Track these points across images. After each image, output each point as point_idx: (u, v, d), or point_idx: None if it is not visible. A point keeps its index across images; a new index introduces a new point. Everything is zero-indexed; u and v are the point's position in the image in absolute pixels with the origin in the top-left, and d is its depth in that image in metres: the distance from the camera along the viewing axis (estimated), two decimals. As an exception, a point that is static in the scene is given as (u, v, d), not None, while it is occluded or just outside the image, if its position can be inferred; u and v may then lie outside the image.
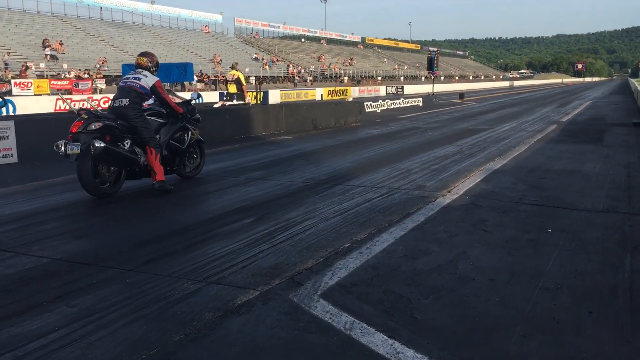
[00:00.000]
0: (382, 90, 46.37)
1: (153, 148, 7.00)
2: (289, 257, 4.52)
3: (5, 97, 22.35)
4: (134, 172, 7.15)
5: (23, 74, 33.23)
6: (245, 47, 64.19)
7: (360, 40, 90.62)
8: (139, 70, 7.33)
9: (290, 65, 60.11)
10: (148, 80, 7.17)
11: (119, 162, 6.87)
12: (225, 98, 17.21)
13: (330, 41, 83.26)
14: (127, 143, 6.87)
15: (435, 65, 32.10)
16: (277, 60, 61.82)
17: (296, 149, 11.48)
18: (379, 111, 23.39)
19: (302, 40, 79.38)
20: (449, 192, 7.05)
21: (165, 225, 5.66)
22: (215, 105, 16.25)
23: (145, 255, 4.60)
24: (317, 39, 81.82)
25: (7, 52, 37.60)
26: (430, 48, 52.36)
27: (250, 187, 7.46)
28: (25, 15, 47.21)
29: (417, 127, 16.41)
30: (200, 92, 15.35)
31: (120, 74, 39.56)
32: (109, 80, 39.24)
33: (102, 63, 40.85)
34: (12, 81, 31.64)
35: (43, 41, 40.75)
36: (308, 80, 58.68)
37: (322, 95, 35.11)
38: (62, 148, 6.52)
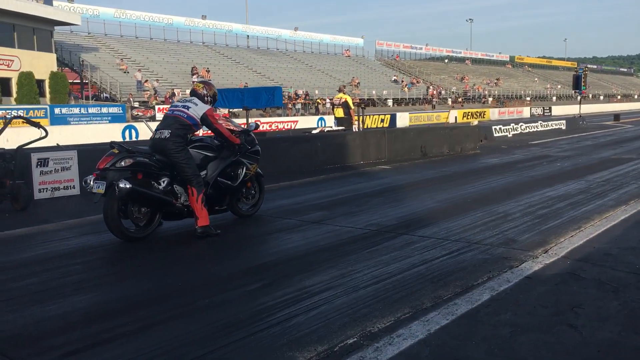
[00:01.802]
0: (526, 112, 42.93)
1: (195, 187, 6.06)
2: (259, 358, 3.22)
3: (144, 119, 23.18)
4: (173, 213, 6.26)
5: (167, 101, 34.94)
6: (385, 70, 63.49)
7: (508, 59, 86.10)
8: (191, 98, 6.46)
9: (431, 87, 58.26)
10: (198, 109, 6.26)
11: (151, 203, 6.01)
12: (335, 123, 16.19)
13: (476, 61, 79.93)
14: (163, 181, 6.01)
15: (583, 84, 28.62)
16: (417, 81, 60.27)
17: (385, 183, 10.05)
18: (510, 136, 21.02)
19: (445, 61, 77.04)
20: (546, 252, 5.28)
21: (160, 286, 4.59)
22: (314, 132, 15.30)
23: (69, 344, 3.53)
24: (461, 60, 78.93)
25: (156, 80, 40.15)
26: (586, 65, 47.67)
27: (296, 234, 6.22)
28: (178, 45, 50.39)
29: (547, 156, 14.13)
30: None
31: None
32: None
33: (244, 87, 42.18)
34: (157, 107, 33.46)
35: (192, 69, 42.94)
36: (449, 102, 56.45)
37: (455, 118, 32.99)
38: (91, 184, 5.77)
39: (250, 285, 4.49)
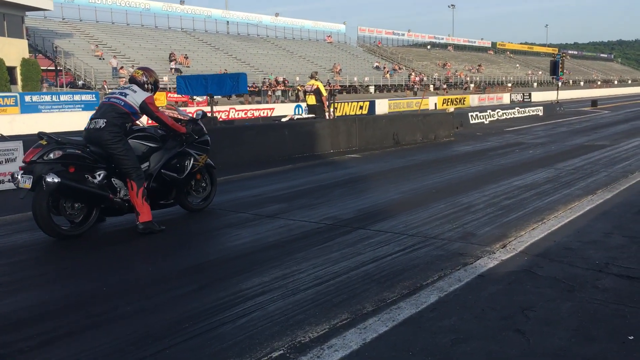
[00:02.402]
0: (506, 98, 42.77)
1: (134, 181, 5.65)
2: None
3: None
4: (112, 208, 5.82)
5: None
6: (367, 56, 63.05)
7: (490, 46, 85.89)
8: (130, 85, 6.02)
9: (413, 73, 57.97)
10: (137, 96, 5.83)
11: (85, 199, 5.55)
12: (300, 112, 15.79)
13: (458, 47, 79.63)
14: (99, 175, 5.57)
15: (560, 70, 28.42)
16: (399, 68, 59.93)
17: (351, 172, 9.74)
18: (486, 122, 20.77)
19: (428, 47, 76.64)
20: (504, 246, 5.01)
21: (82, 291, 4.23)
22: (284, 120, 14.95)
23: None
24: (443, 46, 78.59)
25: (132, 66, 39.35)
26: (565, 51, 47.64)
27: (246, 230, 5.88)
28: (156, 31, 49.43)
29: (521, 143, 13.90)
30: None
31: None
32: (224, 91, 39.83)
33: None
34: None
35: (170, 55, 42.17)
36: (431, 88, 56.20)
37: (435, 104, 32.71)
38: (18, 177, 5.29)
39: (181, 289, 4.16)
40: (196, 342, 3.25)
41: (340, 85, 47.54)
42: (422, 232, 5.56)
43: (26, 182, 5.22)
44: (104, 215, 5.88)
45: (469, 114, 20.45)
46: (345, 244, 5.23)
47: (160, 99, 30.66)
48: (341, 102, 28.48)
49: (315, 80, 15.41)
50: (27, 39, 35.75)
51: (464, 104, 34.65)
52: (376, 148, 13.10)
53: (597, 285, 4.05)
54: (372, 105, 28.48)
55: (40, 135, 5.44)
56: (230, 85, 13.22)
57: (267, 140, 11.14)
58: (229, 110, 27.90)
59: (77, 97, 29.99)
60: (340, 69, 51.70)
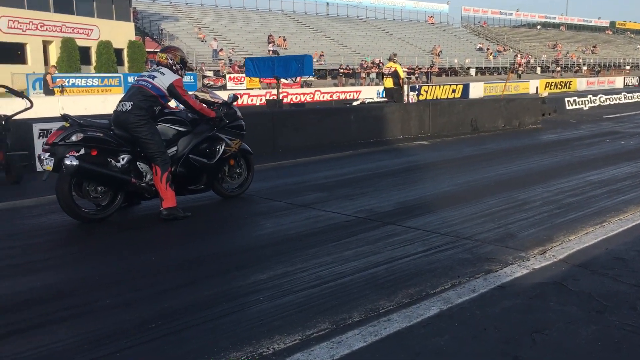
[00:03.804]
0: (618, 82, 39.50)
1: (159, 166, 5.52)
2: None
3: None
4: (134, 194, 5.71)
5: (235, 69, 34.90)
6: (470, 37, 60.66)
7: (608, 25, 79.82)
8: (159, 67, 5.85)
9: (519, 55, 55.08)
10: (165, 79, 5.68)
11: (107, 182, 5.46)
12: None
13: (571, 27, 74.67)
14: (123, 158, 5.48)
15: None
16: (505, 49, 57.17)
17: (411, 160, 9.19)
18: (585, 108, 19.13)
19: (537, 27, 72.48)
20: (543, 253, 4.42)
21: (73, 279, 4.16)
22: (355, 103, 14.49)
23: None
24: (555, 26, 73.98)
25: (232, 49, 40.28)
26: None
27: (271, 220, 5.62)
28: (256, 14, 50.28)
29: (616, 132, 12.62)
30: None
31: (333, 68, 40.29)
32: (320, 74, 39.79)
33: (320, 57, 41.53)
34: (227, 76, 33.54)
35: (268, 37, 42.73)
36: (538, 71, 53.20)
37: (537, 88, 30.78)
38: (43, 158, 5.30)
39: (171, 282, 3.96)
40: (154, 345, 3.04)
41: (438, 68, 46.13)
42: (456, 231, 5.05)
43: (48, 164, 5.22)
44: (132, 199, 5.84)
45: (566, 99, 18.95)
46: (366, 240, 4.83)
47: (255, 81, 31.06)
48: (433, 85, 27.52)
49: (394, 62, 14.83)
50: (135, 22, 37.50)
51: (569, 87, 32.39)
52: (450, 135, 12.38)
53: (636, 307, 3.42)
54: (465, 88, 27.26)
55: (64, 117, 5.43)
56: (295, 67, 13.01)
57: (330, 124, 10.81)
58: (301, 94, 27.67)
59: (176, 78, 31.09)
60: (440, 51, 50.11)
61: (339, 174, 8.08)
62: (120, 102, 5.71)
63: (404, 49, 49.68)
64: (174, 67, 5.87)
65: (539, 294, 3.65)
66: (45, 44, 30.63)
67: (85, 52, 31.74)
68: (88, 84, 27.23)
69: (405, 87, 15.08)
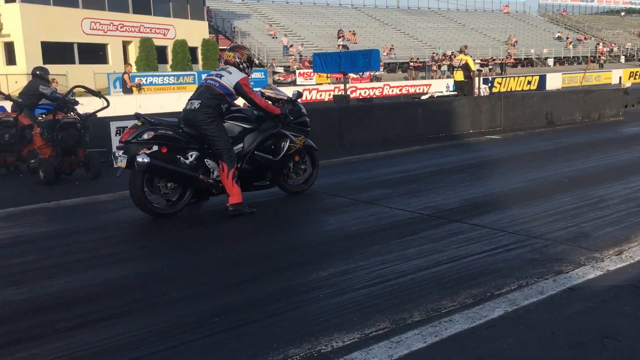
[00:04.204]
0: None
1: (225, 163, 5.66)
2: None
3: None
4: (202, 190, 5.90)
5: (304, 65, 35.12)
6: (548, 26, 58.41)
7: None
8: (226, 66, 5.98)
9: (601, 44, 52.55)
10: (232, 77, 5.80)
11: (176, 179, 5.66)
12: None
13: (659, 13, 70.51)
14: (191, 155, 5.66)
15: None
16: (585, 38, 54.70)
17: (480, 156, 8.94)
18: (675, 99, 18.02)
19: (622, 14, 68.85)
20: (619, 254, 4.21)
21: (143, 272, 4.31)
22: (424, 97, 14.20)
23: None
24: (640, 12, 70.12)
25: (301, 44, 40.60)
26: None
27: (334, 217, 5.62)
28: (326, 9, 50.42)
29: None
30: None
31: (404, 61, 39.87)
32: (390, 67, 39.47)
33: (390, 50, 41.24)
34: (297, 71, 33.84)
35: (338, 32, 42.80)
36: (622, 60, 50.59)
37: (620, 78, 29.26)
38: (117, 155, 5.59)
39: (235, 278, 4.05)
40: (215, 339, 3.10)
41: (514, 59, 44.70)
42: (525, 229, 4.87)
43: (122, 161, 5.45)
44: (200, 195, 5.99)
45: (651, 89, 17.91)
46: (430, 238, 4.75)
47: (324, 76, 31.12)
48: (507, 77, 26.66)
49: (465, 54, 14.48)
50: (209, 21, 38.46)
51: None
52: (523, 128, 11.97)
53: None
54: (542, 80, 26.25)
55: (137, 116, 5.66)
56: (362, 62, 12.92)
57: (397, 119, 10.69)
58: (369, 88, 27.52)
59: (247, 75, 31.67)
60: (516, 41, 48.53)
61: (405, 170, 7.98)
62: (189, 100, 5.88)
63: (477, 40, 48.46)
64: (241, 66, 5.97)
65: (612, 297, 3.47)
66: (125, 44, 31.95)
67: (162, 51, 32.85)
68: (164, 82, 28.20)
69: (477, 79, 14.69)
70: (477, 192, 6.40)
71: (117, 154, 5.57)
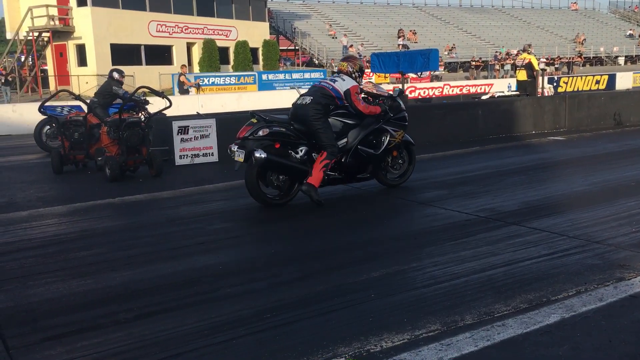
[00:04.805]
0: None
1: (326, 152, 6.08)
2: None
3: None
4: None
5: (364, 65, 34.98)
6: (619, 23, 56.10)
7: None
8: (340, 74, 6.47)
9: (676, 41, 50.12)
10: (344, 84, 6.27)
11: (288, 172, 6.12)
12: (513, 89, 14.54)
13: None
14: (301, 150, 6.11)
15: None
16: (658, 36, 52.26)
17: (542, 157, 8.69)
18: None
19: None
20: (687, 261, 4.01)
21: (202, 267, 4.43)
22: (484, 97, 13.87)
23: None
24: None
25: (361, 44, 40.57)
26: None
27: (393, 217, 5.62)
28: (387, 8, 50.15)
29: None
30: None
31: (465, 60, 39.18)
32: (451, 67, 38.91)
33: (451, 50, 40.65)
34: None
35: (398, 31, 42.53)
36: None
37: (696, 77, 27.78)
38: (235, 150, 6.07)
39: (286, 276, 4.10)
40: (267, 335, 3.16)
41: (582, 57, 43.19)
42: (587, 234, 4.72)
43: (240, 156, 5.92)
44: None
45: None
46: (486, 241, 4.68)
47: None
48: (574, 77, 25.78)
49: (528, 53, 14.10)
50: (270, 22, 38.95)
51: None
52: (589, 129, 11.55)
53: None
54: (611, 79, 25.20)
55: (252, 114, 6.11)
56: (421, 62, 12.78)
57: (456, 119, 10.52)
58: (429, 88, 27.20)
59: (307, 75, 31.96)
60: (584, 39, 46.86)
61: (463, 171, 7.86)
62: (300, 96, 6.34)
63: (543, 38, 47.09)
64: (353, 75, 6.41)
65: (676, 305, 3.33)
66: (189, 46, 32.76)
67: (224, 52, 33.51)
68: (225, 82, 28.78)
69: (540, 79, 14.28)
70: (537, 195, 6.24)
71: (233, 149, 6.01)
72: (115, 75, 9.94)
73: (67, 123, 9.10)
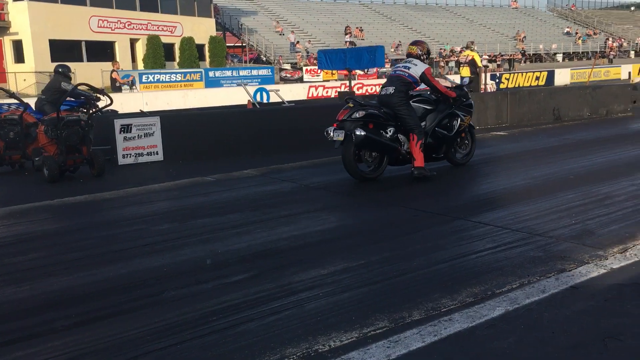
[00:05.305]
0: None
1: (416, 135, 6.82)
2: None
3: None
4: (397, 159, 7.07)
5: (312, 62, 35.05)
6: (557, 21, 58.08)
7: None
8: (410, 59, 7.18)
9: (610, 39, 52.16)
10: (417, 68, 7.00)
11: (380, 149, 6.87)
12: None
13: (669, 7, 69.80)
14: (390, 131, 6.86)
15: None
16: (595, 33, 54.33)
17: (484, 153, 8.80)
18: (683, 94, 17.80)
19: (631, 8, 68.32)
20: (623, 251, 4.16)
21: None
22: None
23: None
24: (651, 6, 69.46)
25: (308, 41, 40.55)
26: None
27: (339, 214, 5.59)
28: (334, 5, 50.32)
29: None
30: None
31: (402, 57, 39.70)
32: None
33: (397, 47, 41.10)
34: (304, 68, 33.81)
35: (345, 28, 42.70)
36: (632, 55, 50.20)
37: (629, 73, 29.00)
38: (331, 134, 6.69)
39: (233, 276, 4.01)
40: (213, 339, 3.07)
41: (522, 55, 44.47)
42: (529, 226, 4.83)
43: (339, 136, 6.58)
44: (389, 164, 7.05)
45: (660, 84, 17.70)
46: (432, 236, 4.72)
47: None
48: (515, 73, 26.49)
49: (471, 50, 14.39)
50: (216, 18, 38.44)
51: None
52: (530, 125, 11.87)
53: None
54: (550, 75, 26.02)
55: (347, 99, 6.92)
56: (367, 59, 12.87)
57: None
58: (376, 84, 27.50)
59: (254, 72, 31.71)
60: (524, 37, 48.28)
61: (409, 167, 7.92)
62: (383, 87, 7.15)
63: (486, 35, 48.26)
64: (421, 57, 7.12)
65: (615, 296, 3.43)
66: (133, 42, 32.00)
67: (169, 48, 32.92)
68: (171, 79, 28.24)
69: (483, 75, 14.60)
70: (481, 190, 6.37)
71: (330, 132, 6.66)
72: (62, 70, 9.49)
73: (1, 122, 8.71)
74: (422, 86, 7.16)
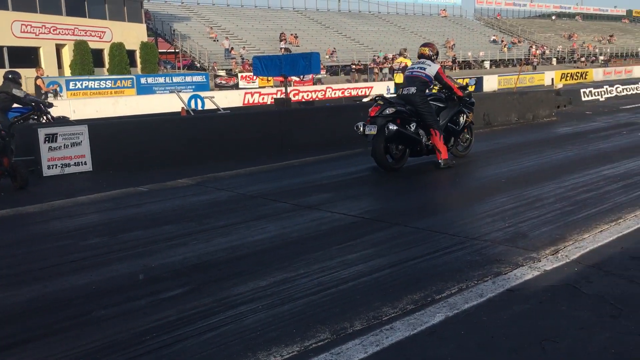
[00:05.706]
0: (636, 72, 38.79)
1: (436, 129, 7.59)
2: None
3: None
4: (416, 151, 7.80)
5: (245, 68, 34.80)
6: (484, 29, 60.06)
7: (625, 14, 78.52)
8: (422, 60, 7.90)
9: (533, 46, 54.41)
10: (432, 69, 7.74)
11: (406, 142, 7.59)
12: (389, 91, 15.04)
13: (587, 17, 73.54)
14: (412, 126, 7.60)
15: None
16: (519, 41, 56.53)
17: (420, 160, 8.98)
18: (602, 99, 18.75)
19: (552, 18, 71.58)
20: (555, 253, 4.26)
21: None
22: (365, 100, 14.26)
23: None
24: (570, 16, 72.96)
25: (243, 47, 40.21)
26: None
27: (278, 222, 5.49)
28: (268, 12, 50.11)
29: (633, 123, 12.32)
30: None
31: (346, 64, 40.01)
32: (332, 70, 39.62)
33: (332, 53, 41.36)
34: (239, 74, 33.49)
35: (280, 35, 42.59)
36: (554, 62, 52.55)
37: (552, 79, 30.30)
38: (362, 129, 7.50)
39: (167, 292, 3.85)
40: (147, 359, 2.93)
41: (451, 62, 45.71)
42: (465, 231, 4.89)
43: (372, 130, 7.39)
44: (410, 156, 7.81)
45: (581, 90, 18.57)
46: (372, 242, 4.70)
47: (268, 79, 30.78)
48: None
49: (404, 57, 14.62)
50: (147, 23, 37.51)
51: (585, 78, 31.82)
52: (462, 130, 12.13)
53: (652, 312, 3.25)
54: (479, 82, 26.78)
55: (375, 98, 7.70)
56: (303, 65, 12.85)
57: (338, 122, 10.55)
58: (312, 91, 27.73)
59: (188, 79, 31.18)
60: (454, 44, 49.64)
61: (348, 173, 7.91)
62: (403, 88, 7.88)
63: (417, 43, 49.05)
64: (432, 58, 7.90)
65: (549, 297, 3.49)
66: (59, 48, 30.77)
67: (98, 54, 31.84)
68: (101, 86, 27.36)
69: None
70: (417, 196, 6.42)
71: (360, 126, 7.54)
72: (12, 76, 8.95)
73: None
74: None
